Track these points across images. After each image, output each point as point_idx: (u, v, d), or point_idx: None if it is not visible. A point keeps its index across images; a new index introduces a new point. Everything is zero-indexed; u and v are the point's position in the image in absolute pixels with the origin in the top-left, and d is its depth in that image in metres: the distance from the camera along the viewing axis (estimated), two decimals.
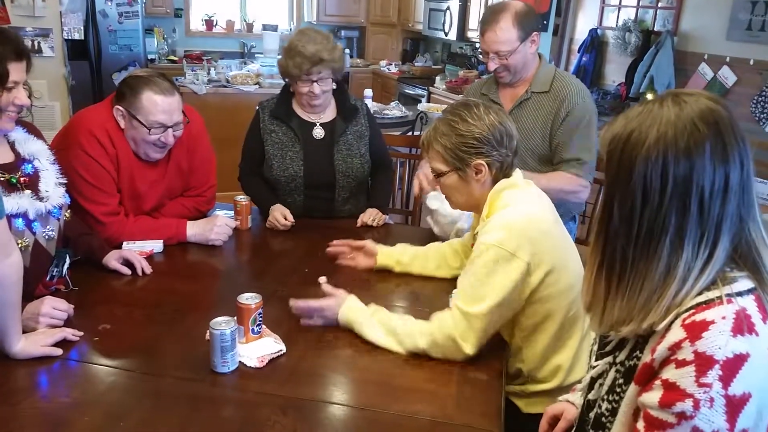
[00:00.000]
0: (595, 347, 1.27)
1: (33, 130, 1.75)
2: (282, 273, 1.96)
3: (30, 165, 1.69)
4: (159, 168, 2.10)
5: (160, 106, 1.93)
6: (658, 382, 0.94)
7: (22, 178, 1.66)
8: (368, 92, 4.60)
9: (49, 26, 3.30)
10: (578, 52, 7.79)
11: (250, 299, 1.51)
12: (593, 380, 1.16)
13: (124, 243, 1.98)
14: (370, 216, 2.33)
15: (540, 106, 2.28)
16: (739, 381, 0.88)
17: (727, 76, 6.40)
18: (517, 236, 1.51)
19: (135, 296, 1.79)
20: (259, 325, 1.53)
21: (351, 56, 7.36)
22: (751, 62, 6.07)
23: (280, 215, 2.23)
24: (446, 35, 6.11)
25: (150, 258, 1.95)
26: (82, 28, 5.43)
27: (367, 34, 7.49)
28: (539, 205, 1.65)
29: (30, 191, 1.66)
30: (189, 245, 2.09)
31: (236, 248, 2.15)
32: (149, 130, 1.94)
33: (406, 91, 6.36)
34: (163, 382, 1.39)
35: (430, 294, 1.83)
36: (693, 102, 0.96)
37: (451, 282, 1.86)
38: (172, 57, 6.57)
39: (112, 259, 1.87)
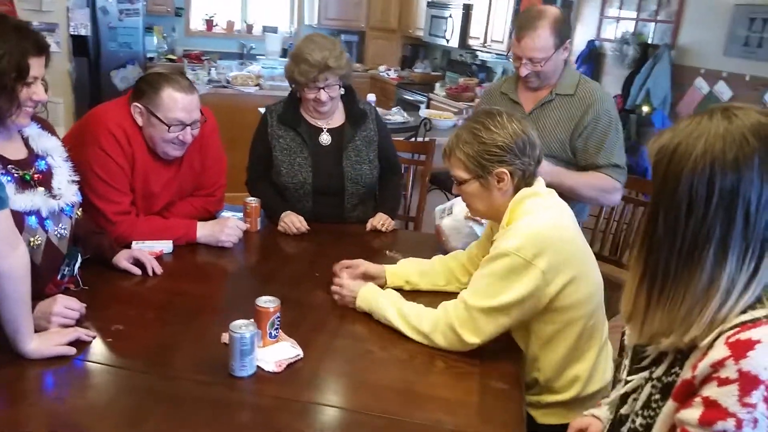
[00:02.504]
0: (627, 361, 1.26)
1: (47, 126, 1.73)
2: (293, 277, 1.94)
3: (43, 162, 1.66)
4: (172, 168, 2.08)
5: (180, 104, 1.92)
6: (698, 399, 0.94)
7: (35, 175, 1.63)
8: (371, 97, 4.59)
9: (55, 21, 3.27)
10: (576, 63, 7.85)
11: (268, 303, 1.49)
12: (626, 395, 1.15)
13: (134, 243, 1.96)
14: (380, 221, 2.31)
15: (563, 109, 2.27)
16: None
17: (723, 91, 6.45)
18: (536, 244, 1.51)
19: (146, 297, 1.76)
20: (276, 329, 1.51)
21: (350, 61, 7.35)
22: (747, 78, 6.12)
23: (296, 219, 2.21)
24: (447, 42, 6.12)
25: (159, 258, 1.93)
26: (89, 24, 5.38)
27: (366, 38, 7.49)
28: (561, 213, 1.64)
29: (43, 188, 1.63)
30: (198, 246, 2.07)
31: (246, 250, 2.13)
32: (168, 127, 1.92)
33: (405, 96, 6.37)
34: (180, 386, 1.37)
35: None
36: (743, 116, 0.96)
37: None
38: (171, 56, 6.53)
39: (122, 259, 1.85)
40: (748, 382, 0.88)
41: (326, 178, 2.32)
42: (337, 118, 2.38)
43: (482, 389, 1.43)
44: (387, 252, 2.09)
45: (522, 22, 2.24)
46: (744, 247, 0.94)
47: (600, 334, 1.66)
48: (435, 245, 2.21)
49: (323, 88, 2.23)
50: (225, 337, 1.52)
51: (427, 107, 5.82)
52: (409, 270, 1.92)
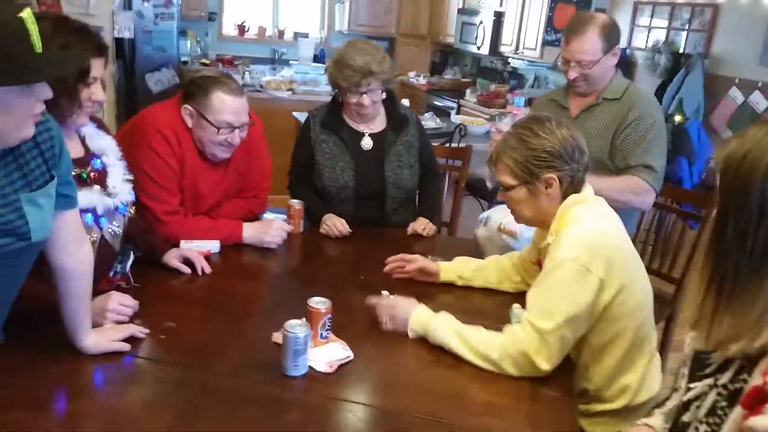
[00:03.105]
0: (686, 369, 1.25)
1: (102, 126, 1.76)
2: (338, 279, 1.96)
3: (99, 160, 1.69)
4: (220, 169, 2.11)
5: (229, 106, 1.94)
6: None
7: (91, 173, 1.66)
8: (405, 102, 4.60)
9: (100, 24, 3.33)
10: None
11: (320, 303, 1.50)
12: (689, 402, 1.13)
13: (182, 242, 1.98)
14: (421, 225, 2.32)
15: (608, 112, 2.27)
16: None
17: (759, 101, 6.35)
18: (592, 251, 1.50)
19: (196, 295, 1.79)
20: (327, 330, 1.52)
21: None
22: None
23: (338, 222, 2.23)
24: (478, 49, 6.12)
25: (207, 258, 1.95)
26: (132, 27, 5.45)
27: (396, 45, 7.51)
28: (610, 221, 1.63)
29: (99, 186, 1.66)
30: (244, 246, 2.09)
31: (290, 252, 2.15)
32: (218, 129, 1.95)
33: (435, 102, 6.37)
34: (233, 383, 1.38)
35: (491, 308, 1.81)
36: None
37: (512, 296, 1.85)
38: (204, 60, 6.61)
39: (172, 258, 1.87)
40: None
41: (368, 182, 2.33)
42: (379, 123, 2.39)
43: (533, 396, 1.42)
44: (429, 257, 2.09)
45: (571, 26, 2.26)
46: None
47: (650, 344, 1.65)
48: (473, 250, 2.21)
49: (366, 93, 2.25)
50: (275, 337, 1.54)
51: (458, 113, 5.82)
52: (462, 266, 1.93)
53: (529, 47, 5.54)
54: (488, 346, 1.49)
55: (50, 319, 1.39)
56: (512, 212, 1.74)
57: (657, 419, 1.35)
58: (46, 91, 1.13)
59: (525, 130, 1.62)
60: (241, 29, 7.20)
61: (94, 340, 1.41)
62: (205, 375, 1.41)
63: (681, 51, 6.99)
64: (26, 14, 1.05)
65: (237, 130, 2.00)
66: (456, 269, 1.93)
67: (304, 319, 1.47)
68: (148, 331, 1.51)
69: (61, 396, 1.31)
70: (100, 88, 1.57)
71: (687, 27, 7.09)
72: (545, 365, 1.45)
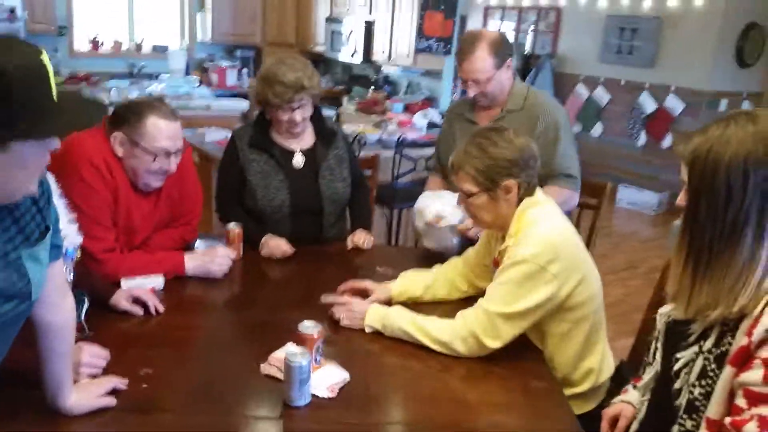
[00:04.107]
0: (658, 344, 1.40)
1: None
2: (297, 301, 1.92)
3: None
4: (151, 199, 1.99)
5: (165, 132, 1.84)
6: (758, 361, 1.10)
7: None
8: None
9: None
10: None
11: (311, 328, 1.49)
12: (679, 370, 1.27)
13: (123, 281, 1.84)
14: (360, 238, 2.34)
15: (515, 124, 2.38)
16: None
17: (602, 95, 7.08)
18: (550, 251, 1.62)
19: (159, 336, 1.68)
20: (321, 353, 1.50)
21: (248, 75, 7.25)
22: (623, 83, 6.77)
23: (281, 242, 2.19)
24: (351, 57, 6.21)
25: (153, 294, 1.83)
26: None
27: (263, 53, 7.41)
28: (563, 220, 1.77)
29: None
30: (187, 279, 1.99)
31: (235, 279, 2.07)
32: (154, 157, 1.83)
33: None
34: (239, 423, 1.34)
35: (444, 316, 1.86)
36: (764, 119, 1.17)
37: (460, 303, 1.91)
38: (57, 78, 6.08)
39: (122, 299, 1.74)
40: None
41: (303, 198, 2.31)
42: (308, 139, 2.38)
43: (524, 389, 1.52)
44: (377, 268, 2.12)
45: (462, 47, 2.36)
46: None
47: (603, 328, 1.81)
48: (415, 257, 2.28)
49: (297, 109, 2.23)
50: (264, 369, 1.50)
51: (337, 121, 5.87)
52: (412, 287, 1.95)
53: (401, 54, 5.72)
54: (440, 330, 1.64)
55: (22, 381, 1.25)
56: (472, 218, 1.84)
57: (632, 394, 1.50)
58: (56, 143, 1.03)
59: (485, 140, 1.72)
60: (95, 44, 6.72)
61: (76, 399, 1.29)
62: (204, 418, 1.34)
63: (530, 52, 7.60)
64: (45, 57, 0.95)
65: (173, 156, 1.90)
66: (407, 292, 1.94)
67: (292, 345, 1.45)
68: (127, 381, 1.40)
69: None
70: None
71: (534, 29, 7.73)
72: (494, 343, 1.60)
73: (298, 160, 2.34)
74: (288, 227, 2.31)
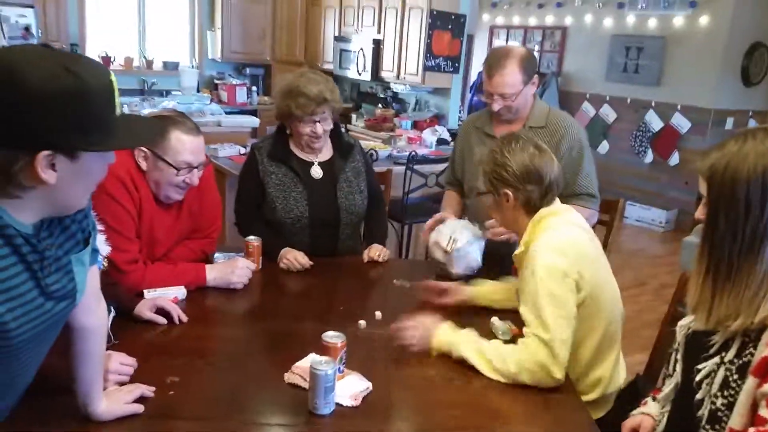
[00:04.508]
0: (678, 356, 1.42)
1: None
2: (317, 312, 1.94)
3: None
4: (173, 212, 2.03)
5: (188, 146, 1.88)
6: None
7: None
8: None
9: None
10: (470, 92, 8.31)
11: (335, 338, 1.51)
12: (701, 381, 1.29)
13: (146, 291, 1.87)
14: (377, 252, 2.37)
15: None
16: None
17: (608, 113, 7.14)
18: (564, 257, 1.65)
19: (182, 345, 1.70)
20: (343, 363, 1.52)
21: (257, 93, 7.33)
22: (629, 101, 6.83)
23: (299, 255, 2.22)
24: (360, 75, 6.28)
25: (176, 305, 1.86)
26: None
27: (273, 71, 7.49)
28: (581, 227, 1.80)
29: None
30: (208, 290, 2.02)
31: (255, 290, 2.10)
32: (178, 171, 1.88)
33: None
34: (265, 431, 1.35)
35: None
36: None
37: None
38: None
39: (145, 309, 1.77)
40: None
41: (322, 210, 2.35)
42: (326, 152, 2.42)
43: (544, 399, 1.53)
44: (395, 281, 2.15)
45: (492, 61, 2.37)
46: None
47: (617, 341, 1.83)
48: (429, 270, 2.30)
49: (319, 122, 2.27)
50: (288, 377, 1.53)
51: None
52: (492, 289, 2.02)
53: (410, 73, 5.79)
54: (504, 360, 1.58)
55: (53, 388, 1.28)
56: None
57: (652, 406, 1.52)
58: (113, 158, 1.10)
59: (497, 147, 1.79)
60: (106, 60, 6.80)
61: (106, 405, 1.31)
62: (230, 425, 1.36)
63: (536, 70, 7.68)
64: (113, 77, 1.02)
65: (196, 170, 1.94)
66: (487, 296, 2.01)
67: (315, 355, 1.47)
68: (154, 389, 1.43)
69: None
70: None
71: (540, 48, 7.81)
72: (559, 374, 1.55)
73: (316, 172, 2.38)
74: (306, 239, 2.34)
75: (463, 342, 1.65)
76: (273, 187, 2.32)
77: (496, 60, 2.36)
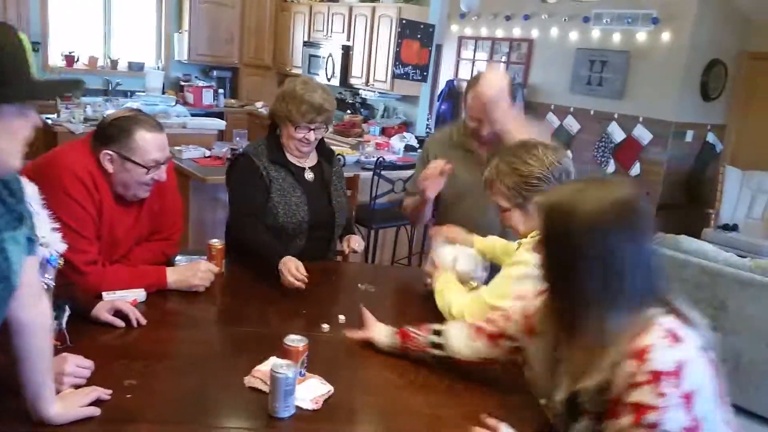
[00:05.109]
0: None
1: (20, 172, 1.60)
2: (280, 315, 1.94)
3: None
4: (133, 212, 1.99)
5: (154, 144, 1.86)
6: (625, 407, 1.12)
7: None
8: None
9: None
10: (438, 100, 8.38)
11: (297, 341, 1.50)
12: None
13: (104, 293, 1.83)
14: (355, 241, 2.42)
15: None
16: (685, 381, 1.08)
17: (572, 124, 7.26)
18: None
19: (142, 348, 1.66)
20: (305, 366, 1.52)
21: (224, 96, 7.26)
22: (592, 113, 6.96)
23: (294, 270, 2.05)
24: (328, 80, 6.28)
25: (135, 307, 1.82)
26: None
27: (240, 74, 7.45)
28: None
29: None
30: (169, 292, 1.98)
31: (216, 293, 2.07)
32: (147, 169, 1.85)
33: None
34: None
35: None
36: (615, 187, 1.22)
37: None
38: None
39: (103, 311, 1.73)
40: (656, 378, 1.09)
41: (319, 214, 2.37)
42: (312, 157, 2.45)
43: (503, 403, 1.53)
44: (359, 285, 2.15)
45: (478, 83, 2.32)
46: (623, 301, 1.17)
47: None
48: (396, 276, 2.32)
49: (314, 129, 2.29)
50: (248, 381, 1.51)
51: None
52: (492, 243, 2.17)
53: (379, 80, 5.81)
54: (452, 300, 1.87)
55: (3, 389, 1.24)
56: (510, 229, 1.86)
57: None
58: (37, 119, 1.09)
59: (514, 158, 1.75)
60: (70, 59, 6.67)
61: (59, 408, 1.27)
62: (188, 429, 1.34)
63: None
64: (23, 36, 1.04)
65: (163, 166, 1.93)
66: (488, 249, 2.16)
67: (276, 358, 1.46)
68: (110, 392, 1.39)
69: None
70: None
71: (506, 60, 7.91)
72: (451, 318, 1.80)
73: (310, 176, 2.40)
74: (303, 244, 2.35)
75: (453, 287, 1.92)
76: (275, 193, 2.31)
77: (482, 82, 2.32)
